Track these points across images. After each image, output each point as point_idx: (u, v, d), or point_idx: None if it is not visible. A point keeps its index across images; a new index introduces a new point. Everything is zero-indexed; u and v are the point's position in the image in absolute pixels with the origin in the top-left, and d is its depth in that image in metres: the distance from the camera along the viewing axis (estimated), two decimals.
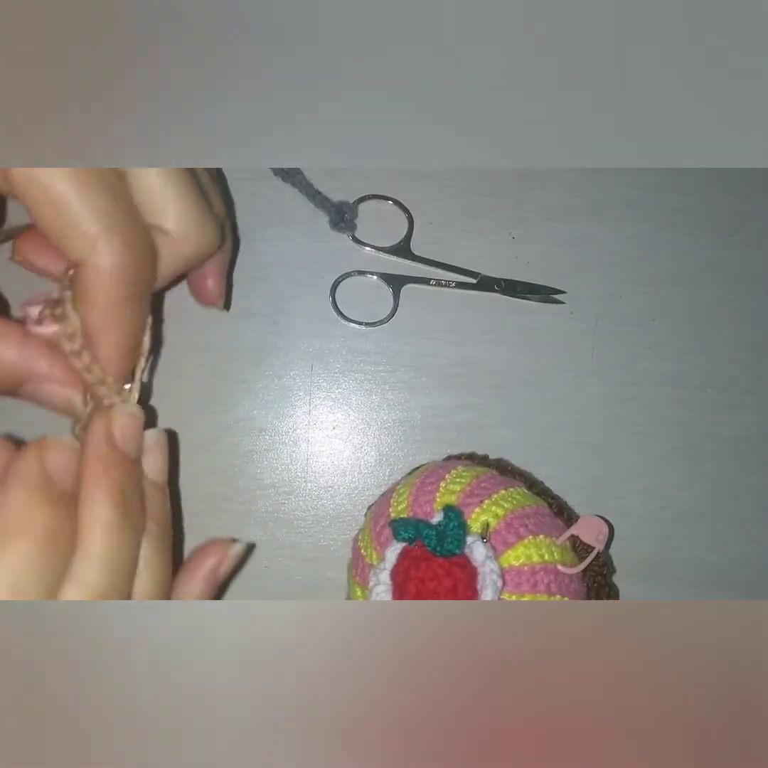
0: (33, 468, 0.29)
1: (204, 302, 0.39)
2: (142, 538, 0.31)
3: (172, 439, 0.38)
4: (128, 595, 0.30)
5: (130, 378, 0.33)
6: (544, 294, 0.46)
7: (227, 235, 0.38)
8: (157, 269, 0.32)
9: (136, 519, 0.31)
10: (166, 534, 0.33)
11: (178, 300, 0.43)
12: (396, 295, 0.45)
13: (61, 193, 0.29)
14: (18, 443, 0.31)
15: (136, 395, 0.33)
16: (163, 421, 0.43)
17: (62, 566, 0.28)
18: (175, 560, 0.34)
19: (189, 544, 0.42)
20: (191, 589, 0.34)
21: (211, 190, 0.35)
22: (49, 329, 0.32)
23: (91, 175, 0.29)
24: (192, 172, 0.33)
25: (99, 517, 0.29)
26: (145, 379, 0.33)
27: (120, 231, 0.30)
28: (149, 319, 0.33)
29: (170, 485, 0.34)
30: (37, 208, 0.29)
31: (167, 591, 0.32)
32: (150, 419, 0.34)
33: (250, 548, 0.43)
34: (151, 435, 0.33)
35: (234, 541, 0.36)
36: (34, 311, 0.32)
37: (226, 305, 0.41)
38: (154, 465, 0.33)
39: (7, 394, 0.33)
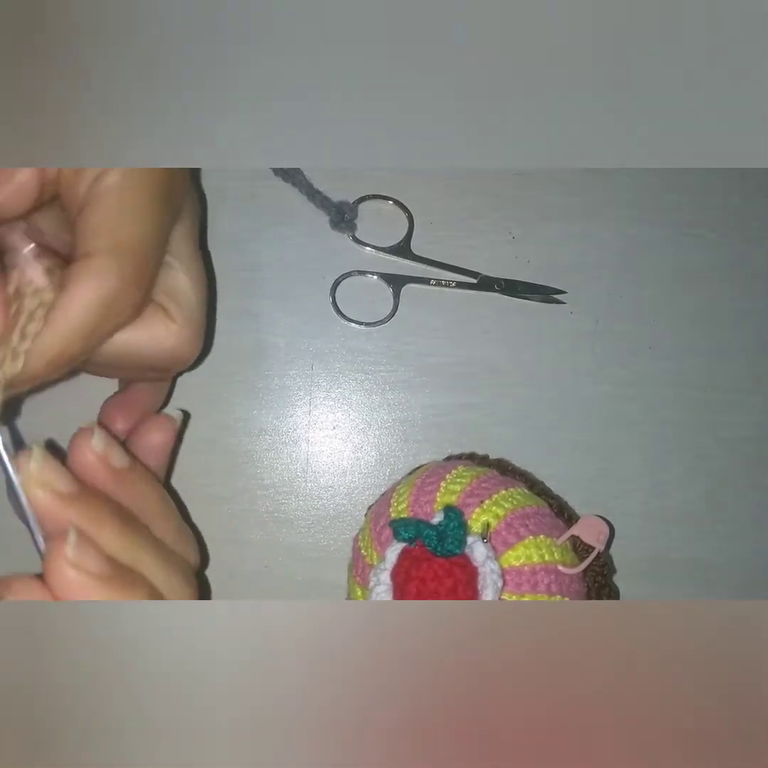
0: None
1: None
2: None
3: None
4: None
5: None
6: (545, 294, 0.46)
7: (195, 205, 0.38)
8: (131, 327, 0.32)
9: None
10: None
11: None
12: (396, 295, 0.45)
13: (130, 196, 0.29)
14: None
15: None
16: None
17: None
18: None
19: None
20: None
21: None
22: (37, 273, 0.29)
23: (162, 206, 0.30)
24: (206, 300, 0.35)
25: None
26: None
27: (134, 263, 0.30)
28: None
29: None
30: (93, 201, 0.29)
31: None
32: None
33: (187, 417, 0.42)
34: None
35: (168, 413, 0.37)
36: (29, 247, 0.30)
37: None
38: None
39: None
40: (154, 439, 0.36)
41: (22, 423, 0.39)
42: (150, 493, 0.32)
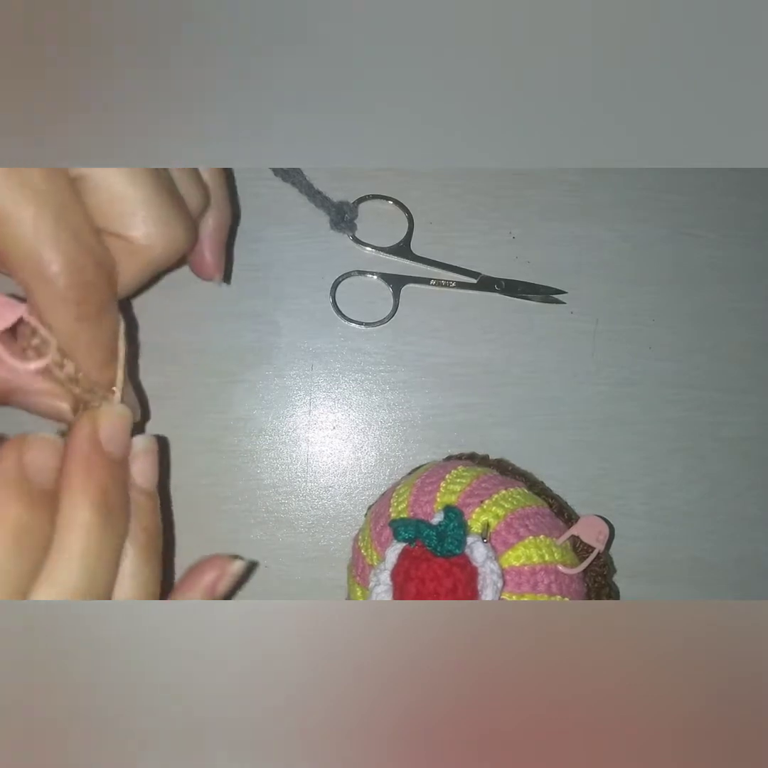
0: (9, 465, 0.29)
1: (203, 276, 0.38)
2: (127, 544, 0.30)
3: (163, 445, 0.37)
4: (107, 599, 0.29)
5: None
6: (545, 294, 0.46)
7: (224, 205, 0.37)
8: (119, 278, 0.31)
9: (118, 522, 0.30)
10: (155, 543, 0.32)
11: (178, 300, 0.43)
12: (396, 295, 0.45)
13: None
14: (1, 439, 0.30)
15: (119, 396, 0.32)
16: (162, 422, 0.43)
17: (33, 566, 0.28)
18: (165, 570, 0.33)
19: (189, 544, 0.42)
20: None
21: (186, 179, 0.33)
22: (39, 364, 0.31)
23: (37, 181, 0.28)
24: (160, 170, 0.31)
25: (78, 518, 0.28)
26: (121, 382, 0.33)
27: (63, 250, 0.28)
28: (121, 326, 0.32)
29: (162, 493, 0.33)
30: None
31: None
32: (141, 422, 0.34)
33: (252, 566, 0.43)
34: (140, 441, 0.32)
35: (236, 558, 0.35)
36: (9, 350, 0.31)
37: (227, 278, 0.40)
38: (143, 471, 0.32)
39: None
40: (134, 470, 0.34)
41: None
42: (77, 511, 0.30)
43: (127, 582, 0.30)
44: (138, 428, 0.33)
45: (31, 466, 0.29)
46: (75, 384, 0.31)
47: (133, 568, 0.30)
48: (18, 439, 0.30)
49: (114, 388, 0.32)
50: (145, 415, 0.42)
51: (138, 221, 0.30)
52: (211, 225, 0.36)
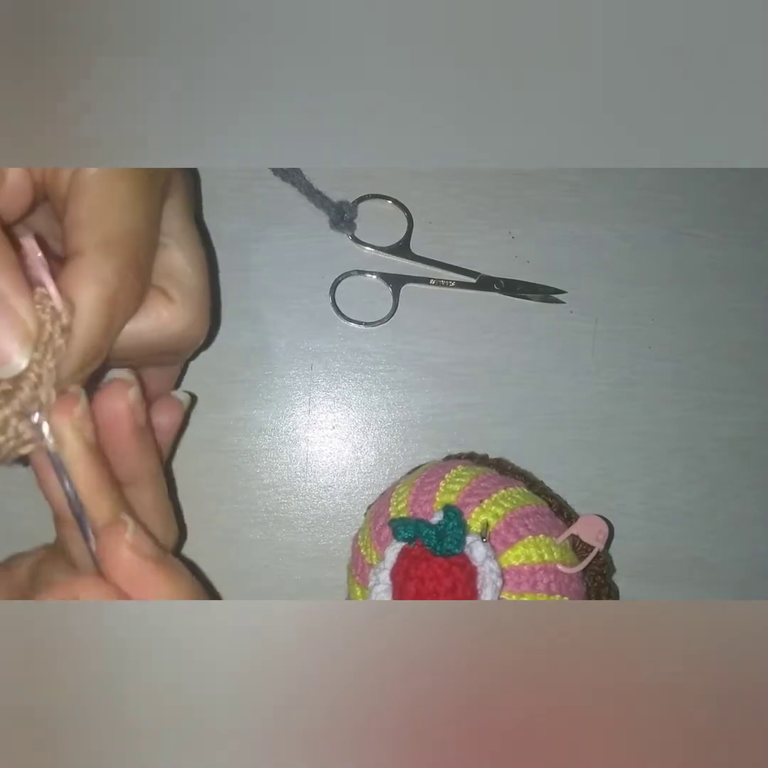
0: (124, 405, 0.30)
1: None
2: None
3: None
4: None
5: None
6: (544, 293, 0.46)
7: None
8: (138, 318, 0.32)
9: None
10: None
11: None
12: (396, 295, 0.45)
13: (119, 194, 0.29)
14: None
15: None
16: None
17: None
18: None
19: (189, 544, 0.42)
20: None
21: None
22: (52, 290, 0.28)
23: (148, 199, 0.30)
24: (207, 271, 0.34)
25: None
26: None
27: (127, 254, 0.29)
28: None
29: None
30: (83, 200, 0.29)
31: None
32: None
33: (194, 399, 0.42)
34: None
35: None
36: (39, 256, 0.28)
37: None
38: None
39: None
40: (161, 420, 0.36)
41: None
42: (150, 462, 0.32)
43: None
44: None
45: (136, 405, 0.31)
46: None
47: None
48: (121, 384, 0.30)
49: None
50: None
51: (182, 290, 0.33)
52: None
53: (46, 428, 0.28)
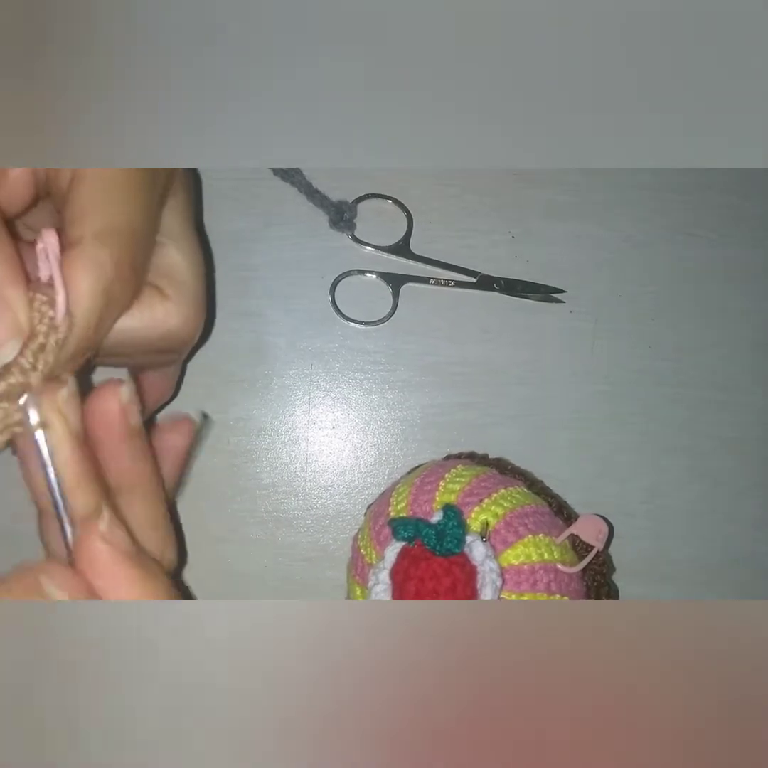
0: (114, 406, 0.29)
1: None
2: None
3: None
4: None
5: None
6: (544, 293, 0.46)
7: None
8: (135, 313, 0.32)
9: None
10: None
11: None
12: (395, 295, 0.45)
13: (117, 190, 0.29)
14: None
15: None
16: None
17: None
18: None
19: (189, 544, 0.42)
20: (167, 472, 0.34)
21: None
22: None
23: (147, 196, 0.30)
24: (204, 273, 0.34)
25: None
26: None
27: (125, 246, 0.29)
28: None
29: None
30: (86, 194, 0.29)
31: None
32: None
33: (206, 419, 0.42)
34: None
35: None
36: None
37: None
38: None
39: None
40: (172, 442, 0.35)
41: None
42: (144, 467, 0.32)
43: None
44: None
45: (129, 405, 0.30)
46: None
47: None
48: (113, 383, 0.30)
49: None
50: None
51: (178, 288, 0.32)
52: None
53: (32, 413, 0.28)
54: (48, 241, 0.27)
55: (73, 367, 0.29)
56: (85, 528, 0.28)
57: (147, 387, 0.38)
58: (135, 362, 0.36)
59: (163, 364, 0.38)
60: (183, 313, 0.33)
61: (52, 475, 0.28)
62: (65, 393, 0.28)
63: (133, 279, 0.30)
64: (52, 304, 0.27)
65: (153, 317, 0.32)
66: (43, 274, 0.27)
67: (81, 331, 0.28)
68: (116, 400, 0.30)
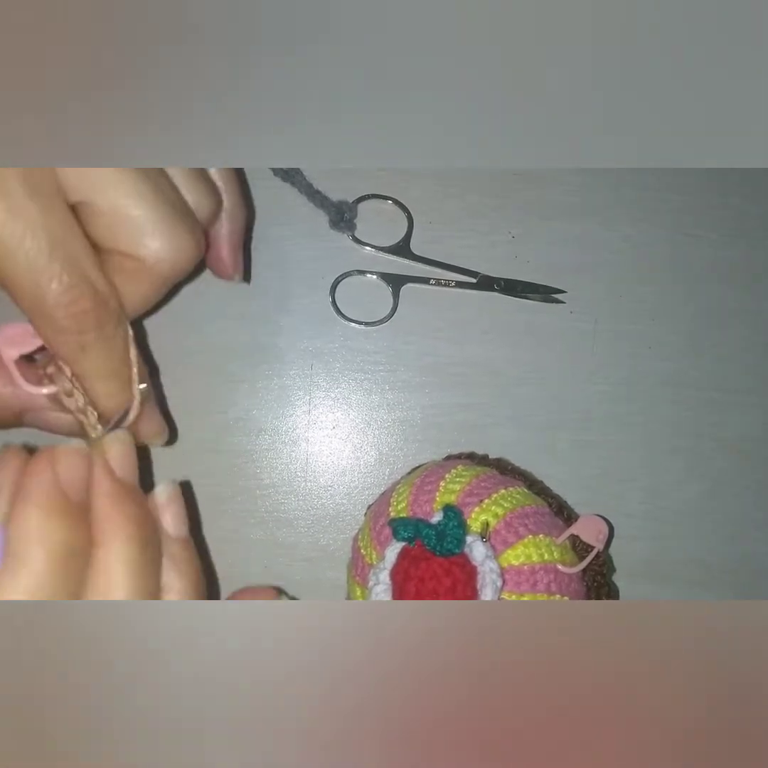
0: (46, 480, 0.28)
1: (223, 276, 0.38)
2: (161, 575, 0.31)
3: (187, 491, 0.37)
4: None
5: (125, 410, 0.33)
6: (544, 293, 0.46)
7: (238, 206, 0.37)
8: (132, 298, 0.32)
9: (153, 549, 0.30)
10: (197, 589, 0.32)
11: (178, 301, 0.43)
12: (396, 295, 0.45)
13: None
14: (31, 450, 0.30)
15: (132, 417, 0.33)
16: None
17: (78, 583, 0.28)
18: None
19: None
20: None
21: (194, 184, 0.33)
22: (51, 389, 0.32)
23: (31, 211, 0.28)
24: (162, 178, 0.31)
25: (120, 555, 0.28)
26: (137, 405, 0.33)
27: (57, 282, 0.29)
28: (132, 349, 0.32)
29: (196, 539, 0.33)
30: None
31: None
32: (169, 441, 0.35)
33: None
34: (162, 491, 0.32)
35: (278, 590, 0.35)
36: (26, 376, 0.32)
37: (246, 277, 0.41)
38: (172, 520, 0.32)
39: (10, 425, 0.33)
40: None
41: None
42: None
43: None
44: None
45: (66, 479, 0.29)
46: (83, 415, 0.32)
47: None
48: (48, 452, 0.29)
49: (129, 412, 0.33)
50: (173, 436, 0.42)
51: (146, 240, 0.31)
52: (225, 227, 0.37)
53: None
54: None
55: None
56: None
57: (216, 250, 0.37)
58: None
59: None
60: (166, 259, 0.31)
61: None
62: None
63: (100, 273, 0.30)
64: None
65: (147, 281, 0.31)
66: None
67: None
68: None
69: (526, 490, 0.39)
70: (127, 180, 0.30)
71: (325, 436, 0.45)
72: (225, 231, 0.37)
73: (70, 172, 0.29)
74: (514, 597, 0.35)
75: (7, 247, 0.28)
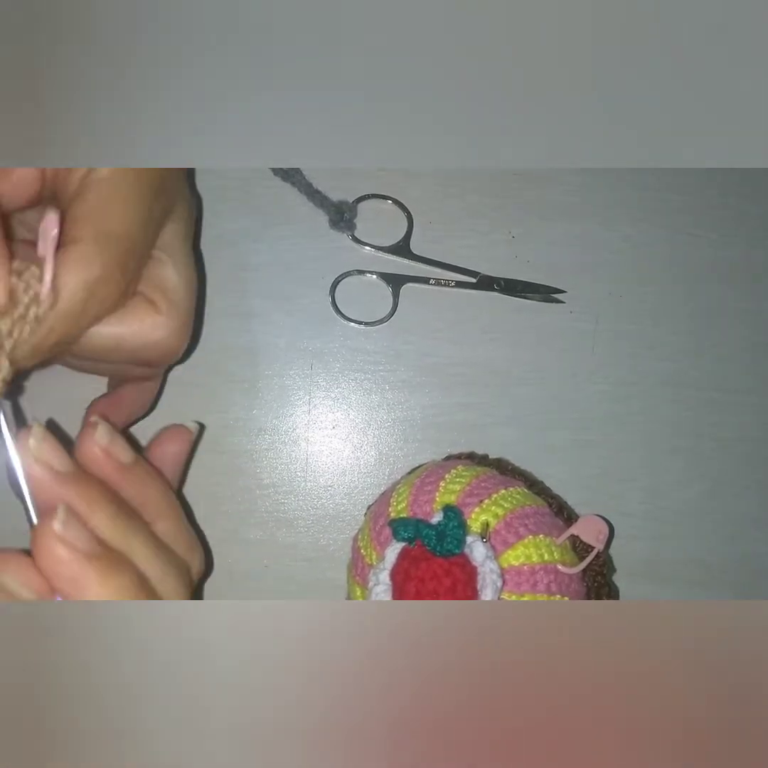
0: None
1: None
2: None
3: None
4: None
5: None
6: (544, 293, 0.46)
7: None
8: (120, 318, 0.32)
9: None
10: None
11: None
12: (395, 295, 0.45)
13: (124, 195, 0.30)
14: None
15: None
16: (162, 422, 0.43)
17: None
18: None
19: None
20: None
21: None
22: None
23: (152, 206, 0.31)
24: (195, 293, 0.36)
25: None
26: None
27: (119, 251, 0.30)
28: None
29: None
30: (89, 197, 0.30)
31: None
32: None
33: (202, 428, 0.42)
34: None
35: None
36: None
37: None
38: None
39: None
40: (169, 449, 0.36)
41: (24, 401, 0.40)
42: (154, 490, 0.32)
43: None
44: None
45: (111, 446, 0.30)
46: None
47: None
48: (88, 429, 0.30)
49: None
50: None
51: (170, 302, 0.34)
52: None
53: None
54: (49, 219, 0.28)
55: (40, 357, 0.30)
56: (40, 528, 0.27)
57: (124, 397, 0.39)
58: (116, 371, 0.37)
59: (142, 378, 0.38)
60: (170, 327, 0.34)
61: (14, 467, 0.28)
62: (33, 442, 0.28)
63: (122, 283, 0.31)
64: (40, 279, 0.28)
65: (141, 327, 0.33)
66: (39, 251, 0.28)
67: (60, 317, 0.29)
68: (94, 443, 0.30)
69: (526, 490, 0.39)
70: (185, 267, 0.35)
71: (325, 436, 0.45)
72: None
73: None
74: (514, 597, 0.35)
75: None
